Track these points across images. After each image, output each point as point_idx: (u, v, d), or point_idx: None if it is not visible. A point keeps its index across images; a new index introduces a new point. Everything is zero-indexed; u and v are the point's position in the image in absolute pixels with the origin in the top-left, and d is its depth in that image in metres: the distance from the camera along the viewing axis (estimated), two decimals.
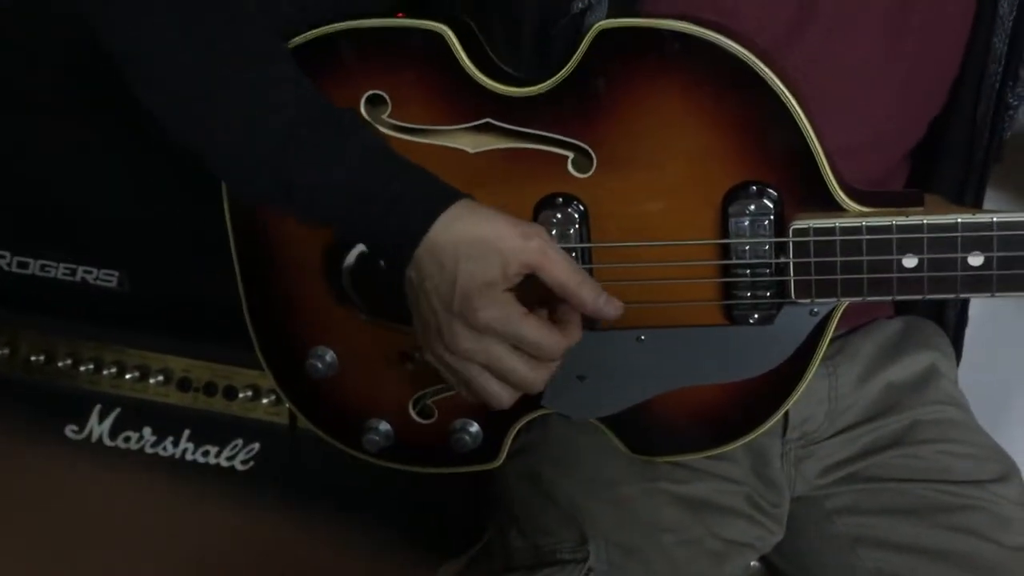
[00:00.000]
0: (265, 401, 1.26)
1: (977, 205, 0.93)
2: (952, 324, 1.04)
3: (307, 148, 0.79)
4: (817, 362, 0.85)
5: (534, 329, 0.76)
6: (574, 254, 0.85)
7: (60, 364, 1.31)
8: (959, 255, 0.77)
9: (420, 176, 0.80)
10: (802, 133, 0.79)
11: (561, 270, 0.76)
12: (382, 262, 0.88)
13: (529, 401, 0.91)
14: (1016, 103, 0.87)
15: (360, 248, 0.91)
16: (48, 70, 1.25)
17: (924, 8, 0.84)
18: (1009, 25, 0.85)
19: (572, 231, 0.85)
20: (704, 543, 0.89)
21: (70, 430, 1.31)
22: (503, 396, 0.79)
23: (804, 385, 0.86)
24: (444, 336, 0.77)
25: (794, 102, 0.78)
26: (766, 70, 0.78)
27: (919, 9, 0.84)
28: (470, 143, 0.86)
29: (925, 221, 0.77)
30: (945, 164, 0.91)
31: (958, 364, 1.05)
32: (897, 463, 0.94)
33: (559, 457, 0.94)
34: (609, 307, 0.78)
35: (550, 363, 0.78)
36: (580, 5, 0.81)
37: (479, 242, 0.76)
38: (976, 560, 0.88)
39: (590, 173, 0.84)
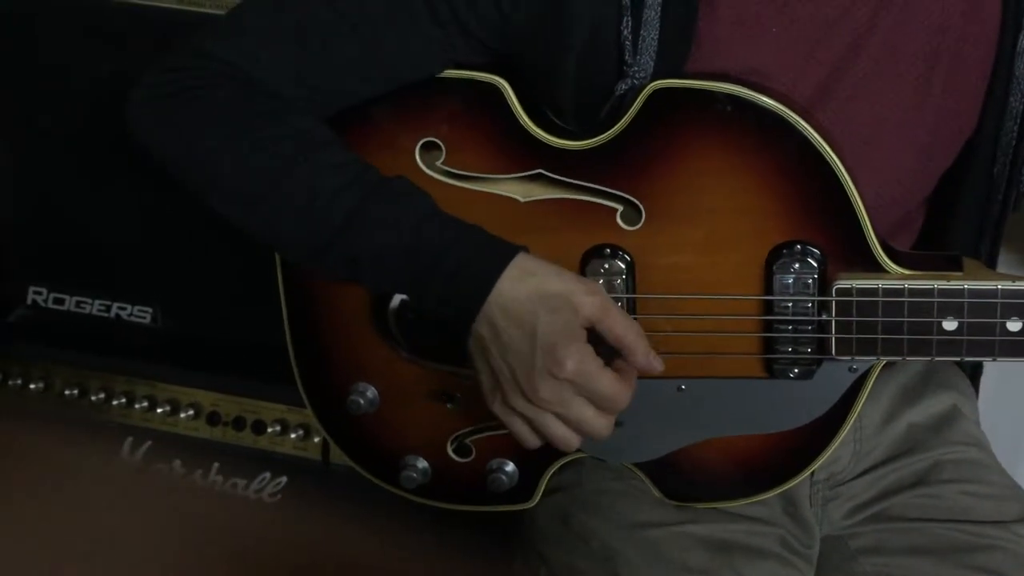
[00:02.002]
0: (293, 436, 1.28)
1: (994, 255, 0.96)
2: (969, 367, 1.06)
3: (367, 225, 0.83)
4: (854, 417, 0.87)
5: (611, 383, 0.80)
6: (620, 304, 0.88)
7: (93, 398, 1.32)
8: (998, 320, 0.79)
9: (477, 235, 0.83)
10: (846, 193, 0.82)
11: (621, 323, 0.81)
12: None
13: None
14: None
15: None
16: (85, 106, 1.28)
17: (946, 70, 0.88)
18: None
19: (619, 282, 0.88)
20: None
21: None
22: (572, 440, 0.82)
23: (840, 439, 0.88)
24: (523, 387, 0.80)
25: (839, 162, 0.81)
26: (812, 132, 0.81)
27: (941, 72, 0.87)
28: (521, 192, 0.88)
29: (966, 286, 0.80)
30: (961, 216, 0.93)
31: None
32: (919, 503, 0.95)
33: (592, 499, 0.95)
34: (656, 362, 0.82)
35: (615, 414, 0.82)
36: (624, 87, 0.84)
37: (554, 296, 0.80)
38: None
39: (638, 226, 0.86)
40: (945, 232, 0.96)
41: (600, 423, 0.81)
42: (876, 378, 0.99)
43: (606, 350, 0.82)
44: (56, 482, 0.38)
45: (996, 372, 1.14)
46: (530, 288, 0.80)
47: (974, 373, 1.08)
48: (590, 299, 0.80)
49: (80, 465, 0.40)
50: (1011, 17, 0.87)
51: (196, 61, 0.87)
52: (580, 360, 0.79)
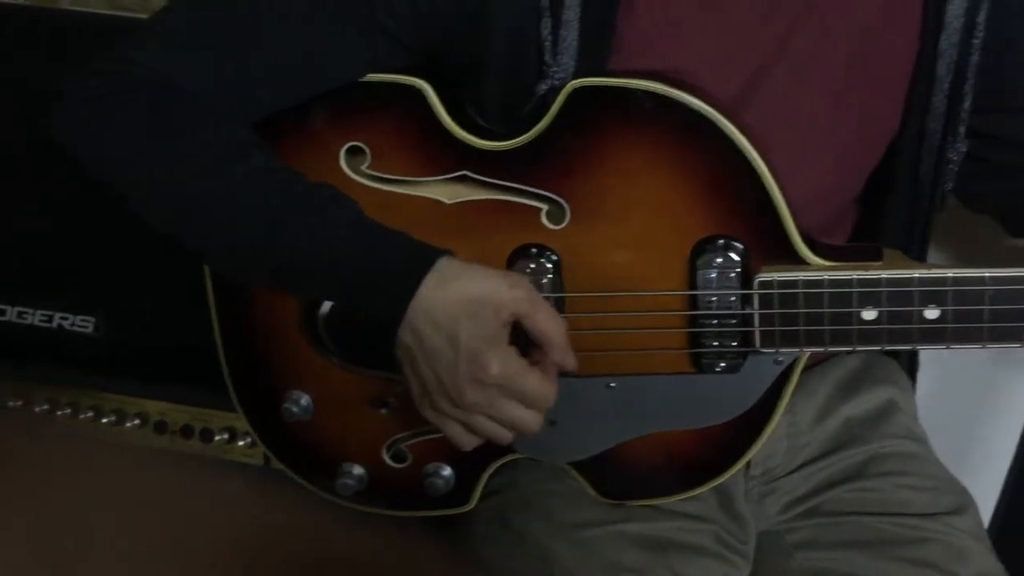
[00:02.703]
0: (241, 443, 1.27)
1: (923, 251, 0.97)
2: (906, 362, 1.07)
3: (292, 235, 0.83)
4: (782, 409, 0.88)
5: (537, 382, 0.81)
6: (548, 303, 0.88)
7: (37, 409, 1.31)
8: (916, 308, 0.80)
9: (401, 241, 0.83)
10: (766, 189, 0.82)
11: (543, 319, 0.81)
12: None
13: (501, 446, 0.93)
14: (956, 158, 0.91)
15: None
16: (20, 115, 1.26)
17: (869, 71, 0.88)
18: (947, 86, 0.89)
19: (545, 281, 0.88)
20: None
21: None
22: (505, 435, 0.84)
23: (770, 431, 0.89)
24: (451, 393, 0.81)
25: (758, 158, 0.81)
26: (731, 127, 0.81)
27: (863, 72, 0.88)
28: (446, 194, 0.88)
29: (884, 275, 0.80)
30: (891, 213, 0.94)
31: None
32: (854, 497, 0.96)
33: (528, 500, 0.95)
34: (571, 360, 0.83)
35: (545, 409, 0.83)
36: (544, 87, 0.84)
37: (474, 300, 0.80)
38: None
39: (563, 225, 0.86)
40: (877, 229, 0.96)
41: (530, 419, 0.82)
42: (812, 373, 1.01)
43: (531, 344, 0.82)
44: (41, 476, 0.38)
45: (935, 366, 1.15)
46: (451, 294, 0.80)
47: (912, 367, 1.08)
48: (512, 293, 0.80)
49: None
50: (931, 18, 0.87)
51: (119, 67, 0.86)
52: (503, 364, 0.79)
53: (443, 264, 0.81)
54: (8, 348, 1.31)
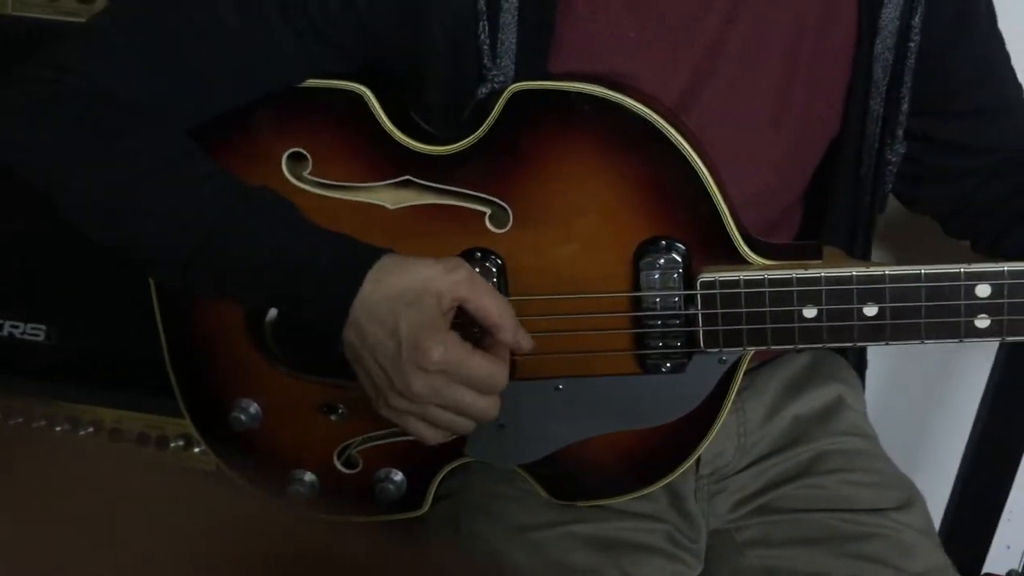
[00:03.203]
0: (197, 450, 1.27)
1: (866, 250, 0.97)
2: (854, 360, 1.08)
3: (228, 240, 0.82)
4: (728, 407, 0.88)
5: (482, 364, 0.79)
6: None
7: None
8: (855, 306, 0.80)
9: (340, 243, 0.82)
10: (707, 190, 0.82)
11: (486, 300, 0.80)
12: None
13: (451, 450, 0.93)
14: (895, 159, 0.92)
15: None
16: None
17: (806, 73, 0.88)
18: (884, 89, 0.89)
19: (491, 284, 0.87)
20: None
21: None
22: (463, 425, 0.83)
23: (717, 429, 0.89)
24: (397, 385, 0.80)
25: (698, 160, 0.82)
26: (671, 129, 0.81)
27: (801, 76, 0.88)
28: (390, 199, 0.88)
29: (823, 274, 0.81)
30: (834, 213, 0.95)
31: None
32: (803, 494, 0.96)
33: (478, 503, 0.95)
34: (524, 340, 0.82)
35: (497, 393, 0.82)
36: (484, 91, 0.84)
37: (411, 290, 0.79)
38: None
39: (507, 228, 0.86)
40: (820, 229, 0.97)
41: (483, 404, 0.81)
42: (761, 372, 1.01)
43: (477, 331, 0.82)
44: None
45: (886, 363, 1.16)
46: (390, 287, 0.79)
47: (860, 364, 1.09)
48: (451, 278, 0.79)
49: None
50: (866, 22, 0.88)
51: (50, 73, 0.85)
52: (445, 349, 0.78)
53: (384, 261, 0.80)
54: None
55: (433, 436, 0.84)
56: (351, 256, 0.81)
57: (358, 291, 0.79)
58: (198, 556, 0.34)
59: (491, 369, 0.80)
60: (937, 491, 1.29)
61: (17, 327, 1.29)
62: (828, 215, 0.94)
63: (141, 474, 0.38)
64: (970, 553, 1.32)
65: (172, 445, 1.27)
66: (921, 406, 1.39)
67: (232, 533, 0.35)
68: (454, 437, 0.85)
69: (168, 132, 0.86)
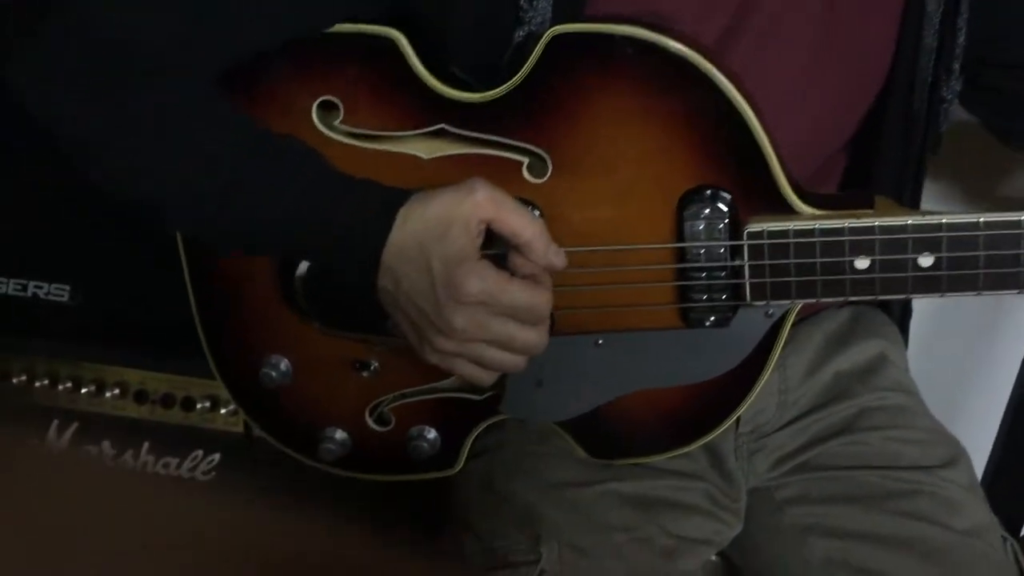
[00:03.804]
0: (223, 411, 1.25)
1: (916, 197, 0.94)
2: (897, 314, 1.05)
3: (256, 190, 0.79)
4: (772, 364, 0.86)
5: (522, 290, 0.76)
6: None
7: (15, 380, 1.28)
8: (910, 256, 0.77)
9: (366, 189, 0.80)
10: (754, 136, 0.79)
11: (515, 218, 0.77)
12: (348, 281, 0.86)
13: (486, 408, 0.91)
14: (950, 97, 0.88)
15: None
16: None
17: (852, 9, 0.85)
18: (937, 21, 0.85)
19: (516, 201, 0.84)
20: (656, 541, 0.89)
21: None
22: (514, 362, 0.80)
23: (760, 385, 0.86)
24: (439, 325, 0.77)
25: (744, 104, 0.79)
26: (716, 72, 0.78)
27: (847, 11, 0.85)
28: (424, 149, 0.85)
29: (877, 223, 0.78)
30: (882, 158, 0.91)
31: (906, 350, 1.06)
32: (845, 451, 0.94)
33: (513, 461, 0.93)
34: (558, 258, 0.78)
35: (544, 322, 0.79)
36: (522, 34, 0.81)
37: (436, 222, 0.76)
38: (925, 545, 0.89)
39: (545, 178, 0.84)
40: (868, 177, 0.94)
41: (531, 336, 0.78)
42: (802, 327, 0.99)
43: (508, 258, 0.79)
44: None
45: (927, 317, 1.13)
46: (415, 225, 0.76)
47: (903, 320, 1.06)
48: (472, 199, 0.76)
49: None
50: None
51: (75, 22, 0.82)
52: (480, 278, 0.75)
53: (410, 203, 0.78)
54: None
55: (486, 377, 0.81)
56: (376, 201, 0.79)
57: (387, 236, 0.77)
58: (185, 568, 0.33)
59: (532, 294, 0.77)
60: (979, 447, 1.27)
61: (41, 288, 1.27)
62: (876, 160, 0.91)
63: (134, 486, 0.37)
64: (1013, 510, 1.30)
65: (198, 406, 1.26)
66: (961, 361, 1.36)
67: (221, 546, 0.34)
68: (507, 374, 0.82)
69: (192, 82, 0.83)
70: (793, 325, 0.97)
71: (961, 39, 0.86)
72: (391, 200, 0.78)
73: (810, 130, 0.88)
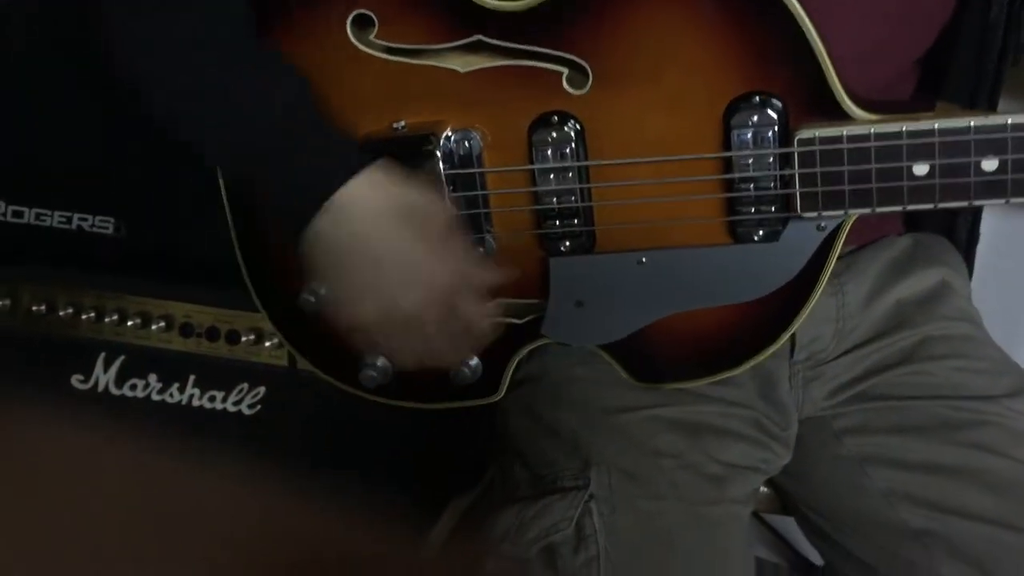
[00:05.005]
0: (268, 344, 1.24)
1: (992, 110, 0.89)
2: (963, 240, 1.00)
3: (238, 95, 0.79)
4: (825, 280, 0.82)
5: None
6: (571, 174, 0.82)
7: (61, 313, 1.29)
8: (972, 159, 0.73)
9: (345, 143, 0.81)
10: (806, 38, 0.75)
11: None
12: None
13: (528, 331, 0.89)
14: None
15: None
16: (33, 17, 1.22)
17: None
18: None
19: (568, 151, 0.82)
20: (702, 467, 0.86)
21: (76, 380, 1.30)
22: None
23: (812, 304, 0.83)
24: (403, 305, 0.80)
25: (796, 4, 0.74)
26: None
27: None
28: (460, 63, 0.82)
29: (936, 126, 0.73)
30: (955, 71, 0.87)
31: (970, 279, 1.01)
32: (907, 380, 0.91)
33: (558, 388, 0.91)
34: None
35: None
36: None
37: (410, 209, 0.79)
38: (990, 476, 0.85)
39: (586, 89, 0.80)
40: (939, 91, 0.89)
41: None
42: (860, 254, 0.94)
43: None
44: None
45: (991, 245, 1.08)
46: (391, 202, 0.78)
47: (969, 246, 1.02)
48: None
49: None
50: None
51: None
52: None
53: (386, 172, 0.79)
54: (28, 251, 1.28)
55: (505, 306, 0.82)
56: (349, 149, 0.80)
57: (350, 178, 0.77)
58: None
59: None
60: None
61: (86, 220, 1.27)
62: (948, 72, 0.86)
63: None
64: None
65: (243, 339, 1.25)
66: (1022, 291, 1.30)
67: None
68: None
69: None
70: (851, 252, 0.94)
71: None
72: (357, 157, 0.79)
73: (881, 40, 0.84)
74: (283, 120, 0.78)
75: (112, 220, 1.26)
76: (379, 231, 0.77)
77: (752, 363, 0.87)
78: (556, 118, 0.82)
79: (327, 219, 0.77)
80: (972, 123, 0.72)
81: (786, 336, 0.85)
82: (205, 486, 0.38)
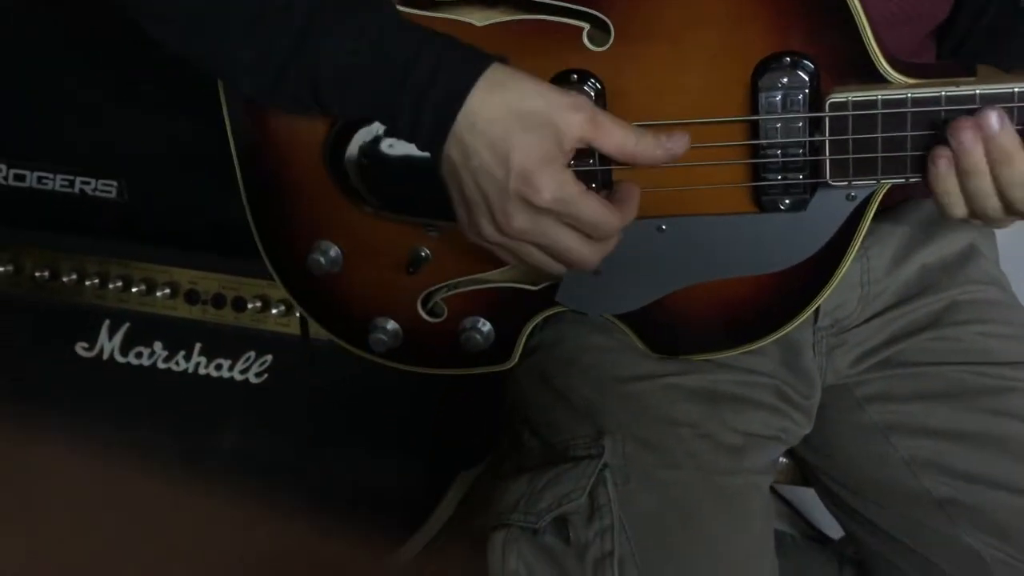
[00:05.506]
0: (275, 312, 1.22)
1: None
2: None
3: (326, 38, 0.74)
4: (854, 251, 0.79)
5: (593, 208, 0.73)
6: None
7: (65, 280, 1.27)
8: (1017, 128, 0.70)
9: (445, 44, 0.74)
10: None
11: (616, 136, 0.72)
12: (411, 146, 0.79)
13: (542, 298, 0.86)
14: None
15: (363, 138, 0.85)
16: None
17: None
18: None
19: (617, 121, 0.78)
20: (720, 436, 0.84)
21: (81, 347, 1.28)
22: (555, 267, 0.77)
23: (839, 276, 0.80)
24: (497, 217, 0.73)
25: None
26: None
27: None
28: (477, 16, 0.79)
29: (978, 91, 0.70)
30: (992, 31, 0.83)
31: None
32: (933, 346, 0.89)
33: (572, 355, 0.89)
34: (678, 143, 0.74)
35: (606, 241, 0.75)
36: None
37: (531, 114, 0.71)
38: (1015, 444, 0.84)
39: (607, 46, 0.77)
40: (975, 55, 0.86)
41: (585, 252, 0.75)
42: (886, 217, 0.91)
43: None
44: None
45: None
46: (504, 104, 0.71)
47: None
48: (576, 118, 0.71)
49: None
50: None
51: None
52: (559, 185, 0.71)
53: (494, 71, 0.72)
54: (32, 216, 1.26)
55: (519, 272, 0.77)
56: (458, 62, 0.73)
57: (463, 102, 0.71)
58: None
59: (603, 213, 0.73)
60: None
61: (88, 183, 1.24)
62: (984, 36, 0.83)
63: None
64: None
65: (249, 307, 1.23)
66: None
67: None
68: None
69: None
70: (876, 215, 0.90)
71: None
72: (475, 62, 0.72)
73: (908, 2, 0.81)
74: (387, 43, 0.74)
75: (115, 184, 1.23)
76: (491, 143, 0.72)
77: (775, 336, 0.84)
78: (575, 76, 0.79)
79: (454, 147, 0.73)
80: (1016, 89, 0.69)
81: (810, 310, 0.82)
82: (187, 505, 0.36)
